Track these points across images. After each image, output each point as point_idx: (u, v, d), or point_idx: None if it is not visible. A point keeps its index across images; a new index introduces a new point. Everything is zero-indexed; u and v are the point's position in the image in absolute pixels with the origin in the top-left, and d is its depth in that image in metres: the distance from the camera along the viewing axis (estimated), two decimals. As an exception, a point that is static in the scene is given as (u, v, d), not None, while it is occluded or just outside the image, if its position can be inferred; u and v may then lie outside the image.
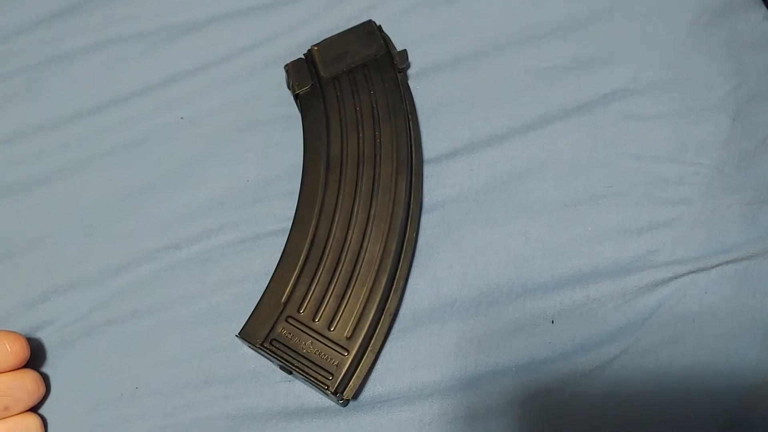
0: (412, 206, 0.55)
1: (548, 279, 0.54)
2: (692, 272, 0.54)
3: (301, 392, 0.53)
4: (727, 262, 0.54)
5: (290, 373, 0.52)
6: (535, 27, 0.64)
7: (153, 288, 0.56)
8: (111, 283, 0.57)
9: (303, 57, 0.60)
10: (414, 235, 0.55)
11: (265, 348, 0.51)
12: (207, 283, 0.56)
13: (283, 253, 0.54)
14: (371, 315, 0.51)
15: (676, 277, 0.54)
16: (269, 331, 0.51)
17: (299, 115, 0.59)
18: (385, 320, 0.52)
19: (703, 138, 0.59)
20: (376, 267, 0.52)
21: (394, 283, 0.53)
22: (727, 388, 0.52)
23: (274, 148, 0.60)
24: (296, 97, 0.60)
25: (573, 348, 0.52)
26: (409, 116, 0.57)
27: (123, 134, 0.62)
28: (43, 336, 0.56)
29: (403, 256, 0.54)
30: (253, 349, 0.52)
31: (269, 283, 0.53)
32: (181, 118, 0.62)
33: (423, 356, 0.54)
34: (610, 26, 0.64)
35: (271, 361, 0.52)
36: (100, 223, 0.59)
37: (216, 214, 0.59)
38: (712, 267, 0.54)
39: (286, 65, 0.60)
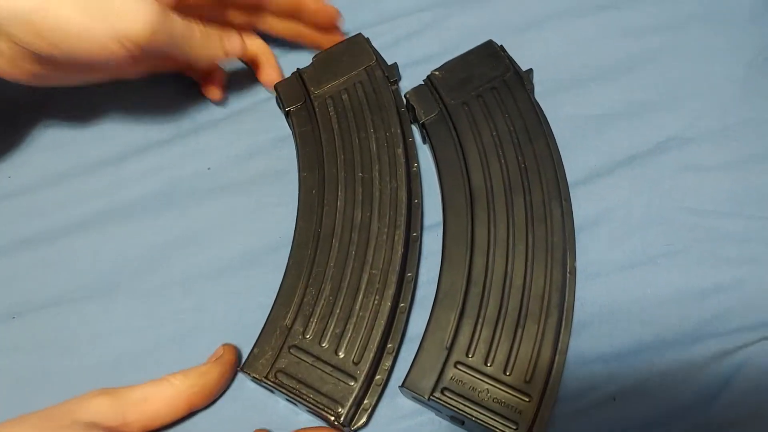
0: (567, 234, 0.51)
1: (607, 349, 0.50)
2: (765, 338, 0.50)
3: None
4: (802, 328, 0.50)
5: (462, 423, 0.47)
6: (581, 70, 0.61)
7: (176, 353, 0.53)
8: (131, 348, 0.53)
9: (423, 83, 0.58)
10: (574, 264, 0.51)
11: (437, 399, 0.46)
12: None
13: (437, 292, 0.50)
14: (548, 354, 0.47)
15: (746, 345, 0.50)
16: (437, 379, 0.47)
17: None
18: (560, 360, 0.48)
19: (767, 189, 0.55)
20: (545, 301, 0.48)
21: (564, 318, 0.49)
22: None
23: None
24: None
25: (638, 428, 0.48)
26: (549, 138, 0.54)
27: (148, 185, 0.59)
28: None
29: (568, 288, 0.50)
30: (419, 402, 0.48)
31: (427, 326, 0.49)
32: (209, 168, 0.59)
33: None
34: (661, 69, 0.60)
35: (438, 412, 0.48)
36: (123, 281, 0.56)
37: (245, 274, 0.55)
38: (786, 333, 0.50)
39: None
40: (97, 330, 0.54)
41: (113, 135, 0.61)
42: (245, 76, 0.63)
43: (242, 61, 0.62)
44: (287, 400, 0.48)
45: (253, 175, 0.59)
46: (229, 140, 0.60)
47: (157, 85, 0.62)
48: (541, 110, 0.56)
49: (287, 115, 0.58)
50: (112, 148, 0.60)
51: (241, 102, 0.62)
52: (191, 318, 0.54)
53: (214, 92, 0.60)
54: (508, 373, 0.47)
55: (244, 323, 0.53)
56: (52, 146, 0.61)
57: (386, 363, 0.49)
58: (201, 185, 0.58)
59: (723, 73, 0.60)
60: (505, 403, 0.46)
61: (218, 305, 0.54)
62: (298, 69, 0.59)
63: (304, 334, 0.48)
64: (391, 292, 0.49)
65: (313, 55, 0.59)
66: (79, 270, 0.56)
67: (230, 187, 0.58)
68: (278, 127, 0.60)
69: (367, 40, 0.59)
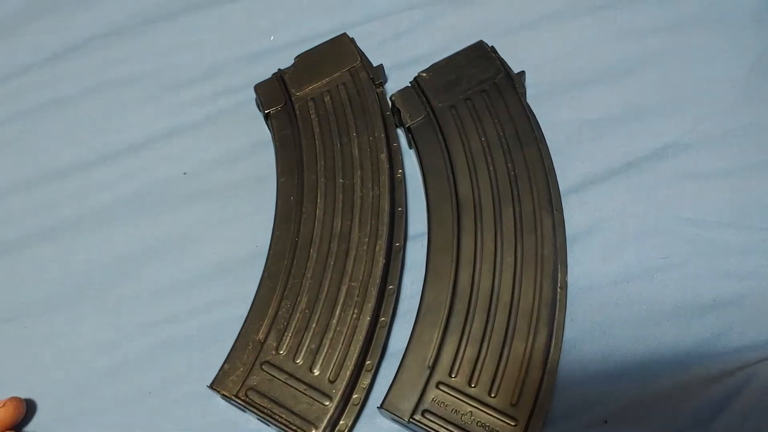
0: (558, 246, 0.48)
1: (599, 368, 0.47)
2: (766, 359, 0.47)
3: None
4: (806, 347, 0.47)
5: None
6: (577, 73, 0.58)
7: (146, 368, 0.50)
8: (99, 362, 0.50)
9: (410, 85, 0.55)
10: (566, 278, 0.48)
11: (416, 422, 0.43)
12: (209, 365, 0.48)
13: (420, 307, 0.47)
14: (536, 375, 0.44)
15: (747, 366, 0.47)
16: (418, 400, 0.44)
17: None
18: (549, 381, 0.45)
19: (769, 199, 0.52)
20: (534, 319, 0.45)
21: (554, 336, 0.46)
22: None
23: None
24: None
25: (631, 454, 0.45)
26: (540, 144, 0.51)
27: (120, 190, 0.56)
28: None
29: (558, 303, 0.47)
30: (399, 423, 0.45)
31: (408, 343, 0.46)
32: (184, 173, 0.56)
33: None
34: (660, 72, 0.58)
35: None
36: (90, 291, 0.53)
37: (221, 284, 0.52)
38: (789, 352, 0.47)
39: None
40: (64, 344, 0.51)
41: (84, 139, 0.58)
42: (227, 74, 0.60)
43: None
44: (259, 419, 0.45)
45: (230, 181, 0.56)
46: (206, 144, 0.58)
47: (130, 86, 0.60)
48: (533, 115, 0.54)
49: (267, 117, 0.55)
50: (83, 153, 0.58)
51: (219, 104, 0.59)
52: (162, 331, 0.51)
53: None
54: (493, 395, 0.44)
55: (218, 337, 0.50)
56: (20, 150, 0.58)
57: (364, 381, 0.46)
58: (176, 191, 0.56)
59: (724, 77, 0.57)
60: (489, 427, 0.43)
61: (191, 318, 0.51)
62: (279, 70, 0.56)
63: (277, 349, 0.46)
64: (371, 305, 0.46)
65: (295, 56, 0.57)
66: (46, 280, 0.54)
67: (206, 194, 0.56)
68: (258, 131, 0.58)
69: (352, 40, 0.57)
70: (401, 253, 0.50)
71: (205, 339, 0.51)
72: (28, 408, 0.49)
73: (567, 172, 0.53)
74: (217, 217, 0.55)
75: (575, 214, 0.52)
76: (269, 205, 0.53)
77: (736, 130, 0.55)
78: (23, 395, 0.50)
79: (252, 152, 0.57)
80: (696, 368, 0.47)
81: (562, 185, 0.52)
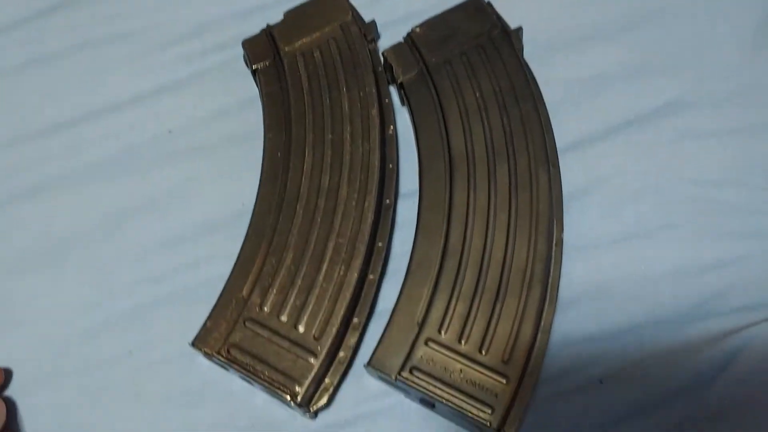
0: (554, 203, 0.47)
1: (595, 329, 0.46)
2: (767, 320, 0.45)
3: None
4: (808, 308, 0.46)
5: (433, 406, 0.43)
6: (576, 30, 0.56)
7: (129, 329, 0.49)
8: (80, 321, 0.49)
9: (403, 40, 0.53)
10: (561, 236, 0.47)
11: (404, 380, 0.42)
12: (193, 324, 0.47)
13: (410, 264, 0.46)
14: (529, 332, 0.43)
15: (747, 326, 0.46)
16: (406, 358, 0.43)
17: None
18: (542, 339, 0.44)
19: (773, 159, 0.51)
20: (528, 275, 0.44)
21: (548, 293, 0.45)
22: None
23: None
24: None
25: (626, 413, 0.44)
26: (537, 100, 0.50)
27: (105, 149, 0.55)
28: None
29: (553, 261, 0.46)
30: (386, 382, 0.44)
31: (398, 300, 0.45)
32: (170, 131, 0.55)
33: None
34: (662, 29, 0.56)
35: (407, 393, 0.44)
36: (73, 250, 0.52)
37: (206, 242, 0.51)
38: (791, 313, 0.46)
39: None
40: (45, 303, 0.50)
41: (69, 96, 0.57)
42: (215, 31, 0.58)
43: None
44: (242, 378, 0.44)
45: (217, 139, 0.55)
46: (192, 102, 0.56)
47: (117, 43, 0.58)
48: (530, 71, 0.52)
49: (254, 73, 0.54)
50: (68, 109, 0.56)
51: (206, 61, 0.57)
52: (145, 290, 0.50)
53: None
54: (484, 353, 0.43)
55: (202, 296, 0.48)
56: (4, 108, 0.57)
57: (351, 339, 0.45)
58: (161, 149, 0.55)
59: (729, 35, 0.55)
60: (479, 384, 0.42)
61: (175, 277, 0.50)
62: (267, 25, 0.55)
63: (261, 306, 0.44)
64: (358, 262, 0.45)
65: (285, 11, 0.55)
66: (29, 239, 0.52)
67: (192, 152, 0.54)
68: (246, 88, 0.56)
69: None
70: (391, 210, 0.49)
71: (188, 298, 0.49)
72: (7, 372, 0.48)
73: (565, 130, 0.52)
74: (203, 175, 0.53)
75: (573, 173, 0.51)
76: (256, 163, 0.51)
77: (740, 89, 0.54)
78: (2, 355, 0.49)
79: (239, 110, 0.55)
80: (695, 328, 0.46)
81: (560, 143, 0.51)
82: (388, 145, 0.50)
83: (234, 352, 0.43)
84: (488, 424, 0.41)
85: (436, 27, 0.53)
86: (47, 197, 0.54)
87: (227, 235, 0.50)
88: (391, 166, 0.50)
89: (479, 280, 0.44)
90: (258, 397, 0.46)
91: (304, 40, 0.53)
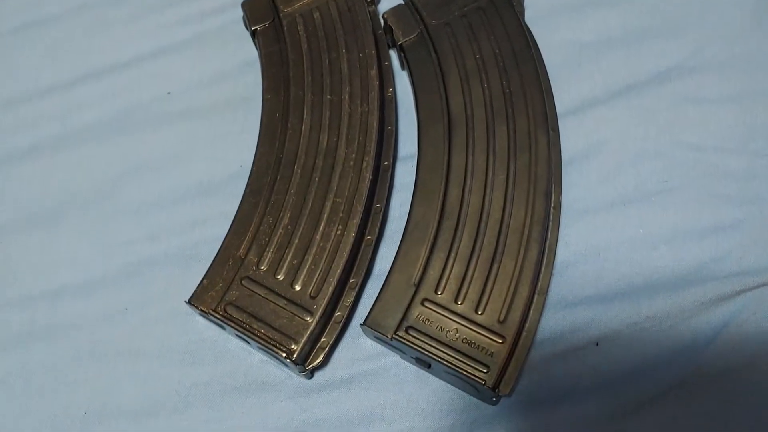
0: (553, 166, 0.47)
1: (592, 292, 0.46)
2: (764, 284, 0.46)
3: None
4: (806, 273, 0.46)
5: (429, 366, 0.43)
6: (577, -6, 0.55)
7: (125, 286, 0.49)
8: (76, 278, 0.49)
9: (403, 2, 0.53)
10: (560, 198, 0.47)
11: (400, 338, 0.42)
12: (189, 284, 0.46)
13: (407, 224, 0.45)
14: (526, 293, 0.43)
15: (744, 291, 0.46)
16: (402, 317, 0.42)
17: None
18: (539, 300, 0.44)
19: (775, 125, 0.50)
20: (525, 236, 0.44)
21: (546, 254, 0.45)
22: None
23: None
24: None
25: (621, 375, 0.44)
26: (537, 62, 0.49)
27: (102, 110, 0.55)
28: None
29: (551, 223, 0.46)
30: (382, 342, 0.44)
31: (394, 260, 0.44)
32: (168, 93, 0.55)
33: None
34: (665, -7, 0.55)
35: (403, 353, 0.44)
36: (70, 210, 0.51)
37: (203, 203, 0.51)
38: (789, 278, 0.45)
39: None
40: (41, 261, 0.50)
41: (67, 58, 0.56)
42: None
43: None
44: (238, 336, 0.44)
45: (215, 101, 0.54)
46: (191, 63, 0.56)
47: (115, 5, 0.58)
48: (531, 34, 0.51)
49: (253, 35, 0.53)
50: (65, 71, 0.56)
51: (205, 23, 0.57)
52: (143, 249, 0.50)
53: None
54: (480, 312, 0.43)
55: (199, 256, 0.49)
56: (2, 70, 0.56)
57: (348, 299, 0.45)
58: (159, 110, 0.54)
59: (732, 1, 0.54)
60: (475, 344, 0.42)
61: (172, 236, 0.50)
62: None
63: (258, 264, 0.44)
64: (355, 222, 0.45)
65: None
66: (26, 198, 0.52)
67: (191, 113, 0.54)
68: (245, 51, 0.55)
69: None
70: (390, 172, 0.49)
71: (185, 258, 0.49)
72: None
73: (565, 94, 0.52)
74: (201, 136, 0.53)
75: (572, 136, 0.50)
76: (254, 125, 0.51)
77: (743, 54, 0.53)
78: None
79: (238, 72, 0.55)
80: (692, 293, 0.46)
81: (560, 107, 0.50)
82: (387, 107, 0.50)
83: (230, 310, 0.43)
84: (483, 383, 0.41)
85: None
86: (45, 157, 0.53)
87: (225, 196, 0.50)
88: (389, 128, 0.49)
89: (476, 240, 0.44)
90: (254, 357, 0.46)
91: (303, 1, 0.52)
